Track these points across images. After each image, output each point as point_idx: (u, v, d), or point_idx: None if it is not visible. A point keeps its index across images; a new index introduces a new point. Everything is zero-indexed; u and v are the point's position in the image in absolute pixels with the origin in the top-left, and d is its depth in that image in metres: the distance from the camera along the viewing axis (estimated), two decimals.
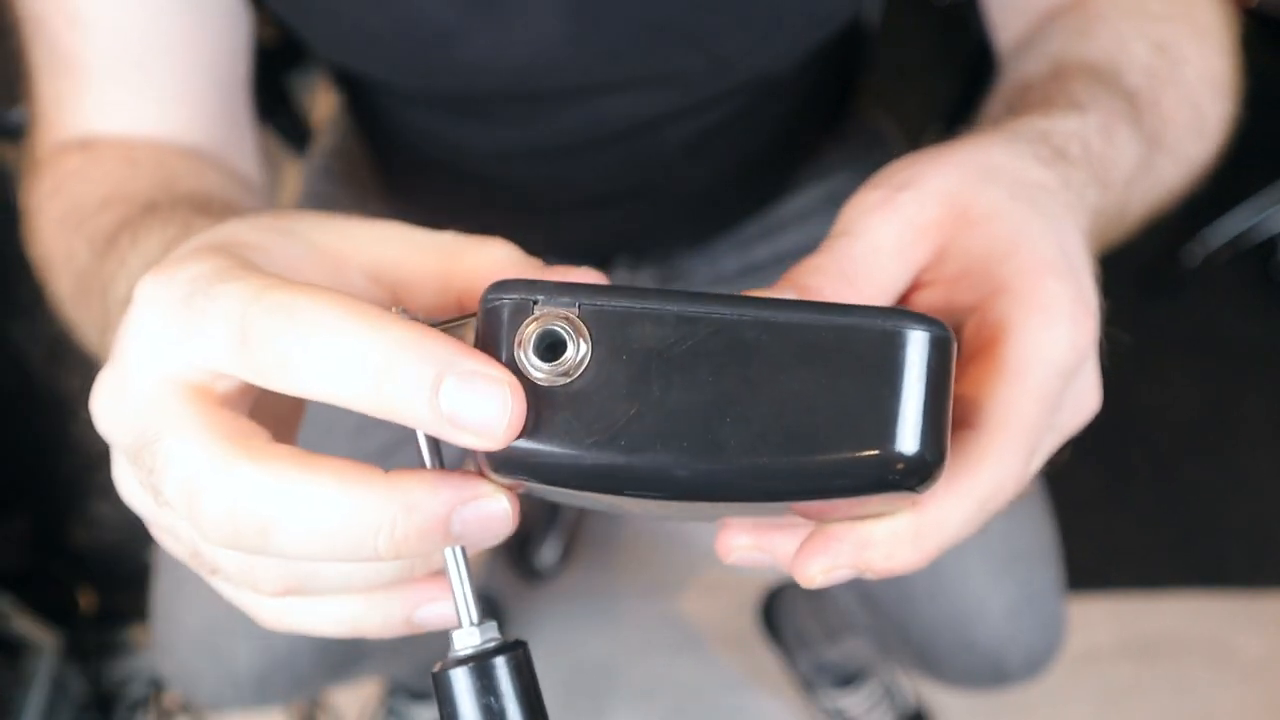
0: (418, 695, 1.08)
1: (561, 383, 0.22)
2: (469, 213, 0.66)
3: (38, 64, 0.51)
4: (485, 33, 0.53)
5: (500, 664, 0.24)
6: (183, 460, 0.23)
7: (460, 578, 0.25)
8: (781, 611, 1.11)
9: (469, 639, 0.25)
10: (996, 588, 0.65)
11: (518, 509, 0.24)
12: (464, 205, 0.69)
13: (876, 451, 0.22)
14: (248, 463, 0.23)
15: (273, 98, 0.84)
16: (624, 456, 0.22)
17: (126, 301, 0.25)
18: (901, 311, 0.23)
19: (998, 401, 0.27)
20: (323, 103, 1.23)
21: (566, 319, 0.22)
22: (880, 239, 0.29)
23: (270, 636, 0.65)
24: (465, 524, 0.23)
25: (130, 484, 0.26)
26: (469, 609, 0.25)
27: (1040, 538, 0.68)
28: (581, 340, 0.22)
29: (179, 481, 0.23)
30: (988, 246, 0.29)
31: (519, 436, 0.22)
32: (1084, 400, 0.30)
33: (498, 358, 0.22)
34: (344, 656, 0.71)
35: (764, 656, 1.16)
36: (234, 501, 0.22)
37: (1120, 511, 1.33)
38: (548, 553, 1.25)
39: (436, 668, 0.24)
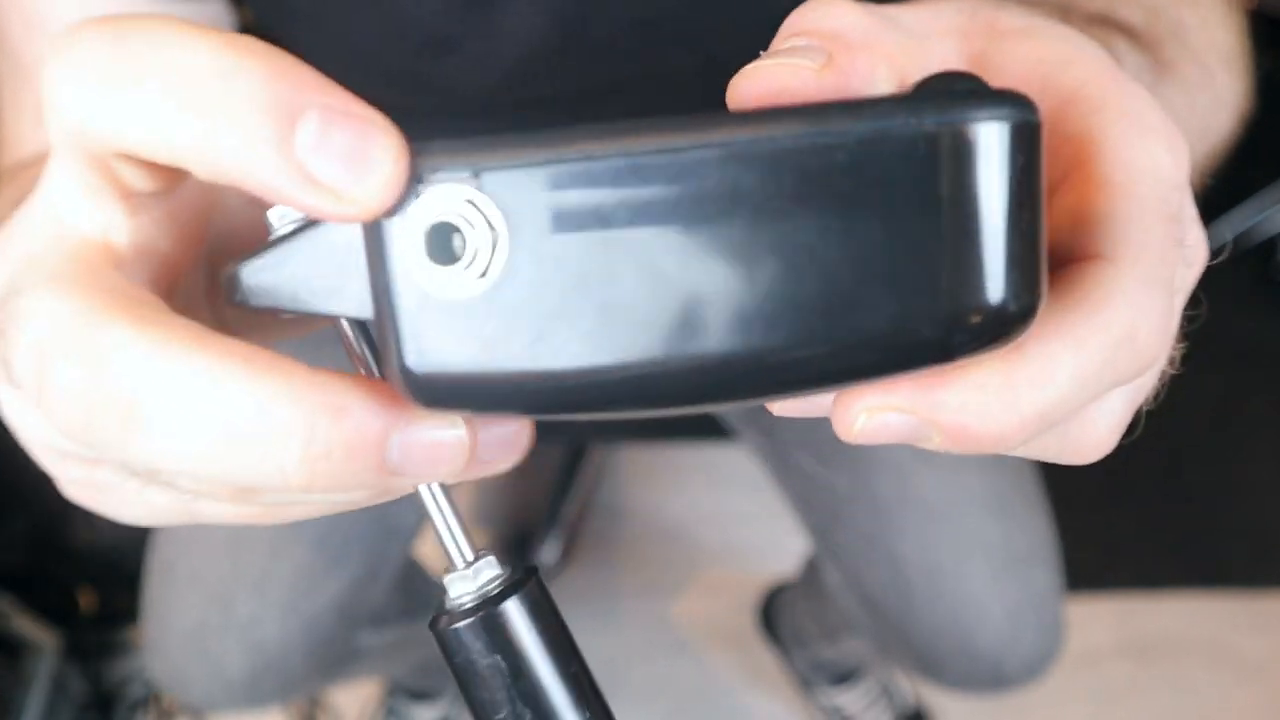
0: (417, 695, 1.08)
1: (477, 289, 0.17)
2: None
3: (3, 78, 0.49)
4: (474, 39, 0.52)
5: (508, 610, 0.20)
6: (38, 316, 0.18)
7: (441, 510, 0.21)
8: (780, 611, 1.11)
9: (465, 585, 0.20)
10: (996, 591, 0.65)
11: (476, 443, 0.19)
12: None
13: (943, 307, 0.16)
14: (122, 323, 0.17)
15: None
16: (584, 368, 0.17)
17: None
18: (955, 92, 0.17)
19: (1114, 221, 0.20)
20: None
21: (470, 199, 0.16)
22: (905, 21, 0.22)
23: (261, 638, 0.65)
24: (406, 451, 0.18)
25: None
26: (460, 547, 0.21)
27: (1040, 541, 0.68)
28: (491, 224, 0.16)
29: (29, 345, 0.18)
30: (1037, 54, 0.22)
31: (425, 358, 0.17)
32: (1199, 241, 0.23)
33: (379, 267, 0.17)
34: (336, 657, 0.71)
35: (764, 656, 1.16)
36: (92, 370, 0.17)
37: (1120, 511, 1.33)
38: (548, 552, 1.25)
39: (433, 622, 0.20)
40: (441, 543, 0.21)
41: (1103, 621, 1.24)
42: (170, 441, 0.17)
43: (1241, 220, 1.51)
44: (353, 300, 0.18)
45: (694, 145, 0.16)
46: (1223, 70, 0.41)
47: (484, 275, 0.17)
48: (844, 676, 1.08)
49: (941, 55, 0.22)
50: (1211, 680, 1.20)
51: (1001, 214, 0.16)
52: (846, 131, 0.16)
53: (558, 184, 0.16)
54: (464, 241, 0.17)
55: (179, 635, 0.65)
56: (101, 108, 0.17)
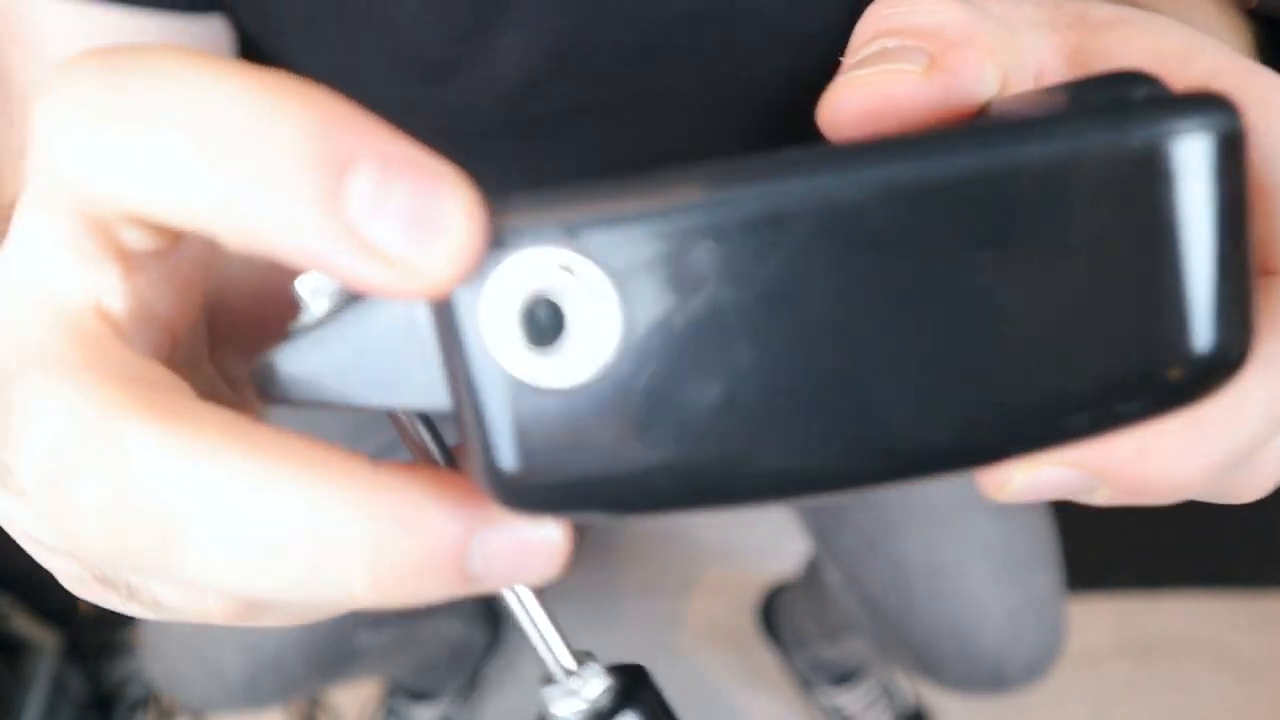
0: (417, 695, 1.08)
1: (583, 371, 0.13)
2: None
3: None
4: (473, 62, 0.52)
5: None
6: (48, 417, 0.15)
7: (531, 616, 0.18)
8: (780, 611, 1.11)
9: (570, 701, 0.18)
10: (997, 593, 0.65)
11: (571, 541, 0.16)
12: None
13: (1143, 361, 0.14)
14: (149, 422, 0.14)
15: None
16: (706, 464, 0.14)
17: None
18: (1143, 99, 0.14)
19: None
20: None
21: (566, 266, 0.13)
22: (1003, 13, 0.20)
23: (258, 639, 0.65)
24: (490, 560, 0.15)
25: None
26: (557, 656, 0.18)
27: (1040, 543, 0.68)
28: (599, 298, 0.13)
29: (40, 452, 0.15)
30: (1151, 46, 0.20)
31: (524, 461, 0.14)
32: None
33: (455, 350, 0.14)
34: (334, 658, 0.71)
35: (764, 656, 1.16)
36: (122, 484, 0.14)
37: (1120, 511, 1.33)
38: None
39: None
40: (535, 650, 0.18)
41: (1103, 621, 1.24)
42: (215, 559, 0.14)
43: None
44: (418, 390, 0.15)
45: (848, 181, 0.13)
46: None
47: (590, 355, 0.13)
48: (844, 677, 1.08)
49: (1034, 49, 0.20)
50: (1212, 680, 1.20)
51: (1214, 245, 0.13)
52: (1036, 154, 0.13)
53: (679, 237, 0.13)
54: (562, 316, 0.13)
55: (176, 638, 0.65)
56: (105, 160, 0.15)
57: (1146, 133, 0.13)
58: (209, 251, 0.20)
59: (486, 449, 0.14)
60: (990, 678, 0.68)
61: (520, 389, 0.14)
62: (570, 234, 0.13)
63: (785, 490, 0.14)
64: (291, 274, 0.18)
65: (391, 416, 0.17)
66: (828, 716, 1.11)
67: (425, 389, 0.15)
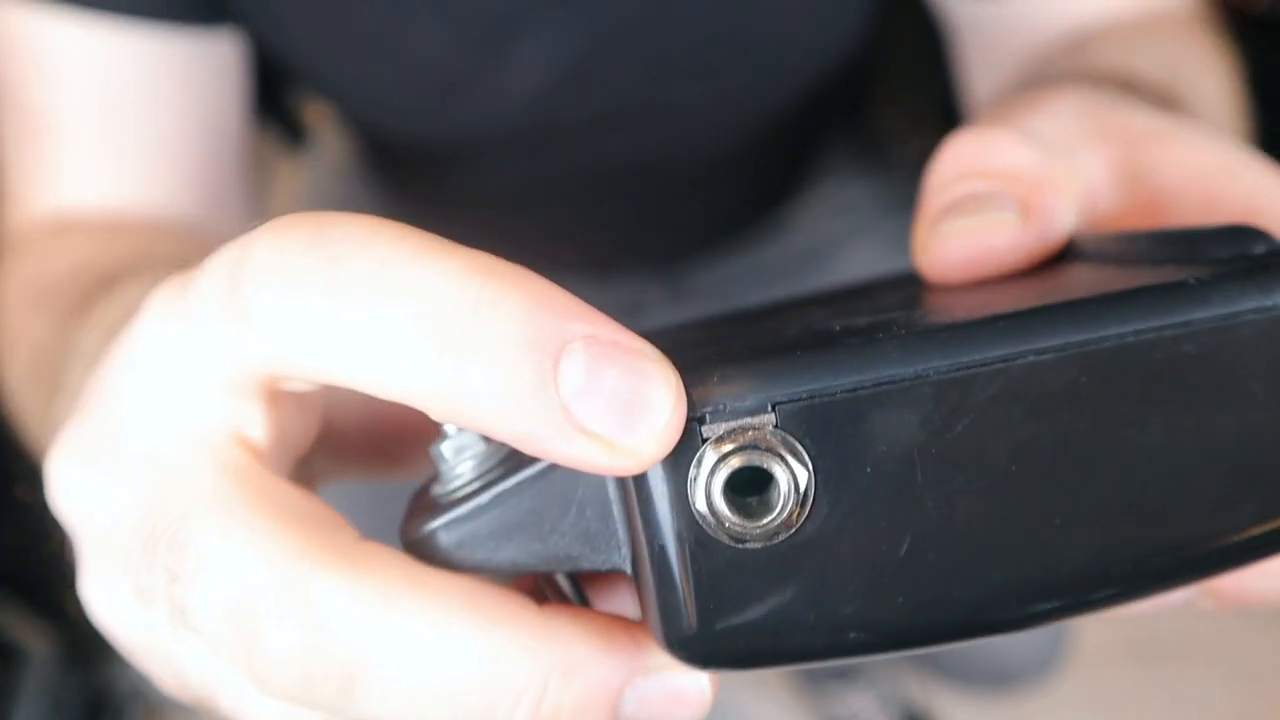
0: None
1: (775, 539, 0.14)
2: (459, 216, 0.65)
3: (6, 131, 0.47)
4: (485, 78, 0.51)
5: None
6: (230, 564, 0.15)
7: None
8: None
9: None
10: None
11: (717, 687, 0.16)
12: (456, 215, 0.68)
13: (1271, 508, 0.15)
14: (331, 567, 0.15)
15: (266, 95, 0.83)
16: (895, 614, 0.14)
17: (94, 357, 0.18)
18: (1261, 269, 0.15)
19: None
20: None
21: (763, 438, 0.14)
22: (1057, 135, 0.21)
23: None
24: (643, 705, 0.16)
25: (118, 595, 0.18)
26: None
27: None
28: (795, 465, 0.14)
29: (226, 597, 0.15)
30: (1195, 163, 0.21)
31: (708, 622, 0.14)
32: None
33: (648, 519, 0.14)
34: None
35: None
36: (313, 633, 0.15)
37: None
38: None
39: None
40: None
41: (1104, 622, 1.23)
42: (395, 699, 0.15)
43: None
44: (596, 554, 0.16)
45: (1025, 349, 0.14)
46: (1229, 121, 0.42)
47: (784, 523, 0.14)
48: (846, 673, 1.08)
49: (1090, 167, 0.21)
50: (1218, 684, 1.20)
51: None
52: (1196, 322, 0.14)
53: (873, 406, 0.14)
54: (758, 487, 0.14)
55: None
56: (308, 329, 0.14)
57: (1276, 299, 0.14)
58: None
59: (671, 608, 0.15)
60: (994, 673, 0.67)
61: (708, 554, 0.14)
62: (767, 408, 0.14)
63: (966, 633, 0.15)
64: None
65: (541, 576, 0.18)
66: (828, 714, 1.11)
67: (602, 553, 0.16)
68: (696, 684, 0.16)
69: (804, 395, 0.14)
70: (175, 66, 0.47)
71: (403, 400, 0.15)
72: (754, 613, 0.14)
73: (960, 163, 0.20)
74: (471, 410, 0.14)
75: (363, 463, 0.22)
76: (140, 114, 0.46)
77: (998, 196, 0.19)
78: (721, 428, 0.14)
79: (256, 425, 0.17)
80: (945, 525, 0.14)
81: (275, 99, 0.85)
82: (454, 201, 0.64)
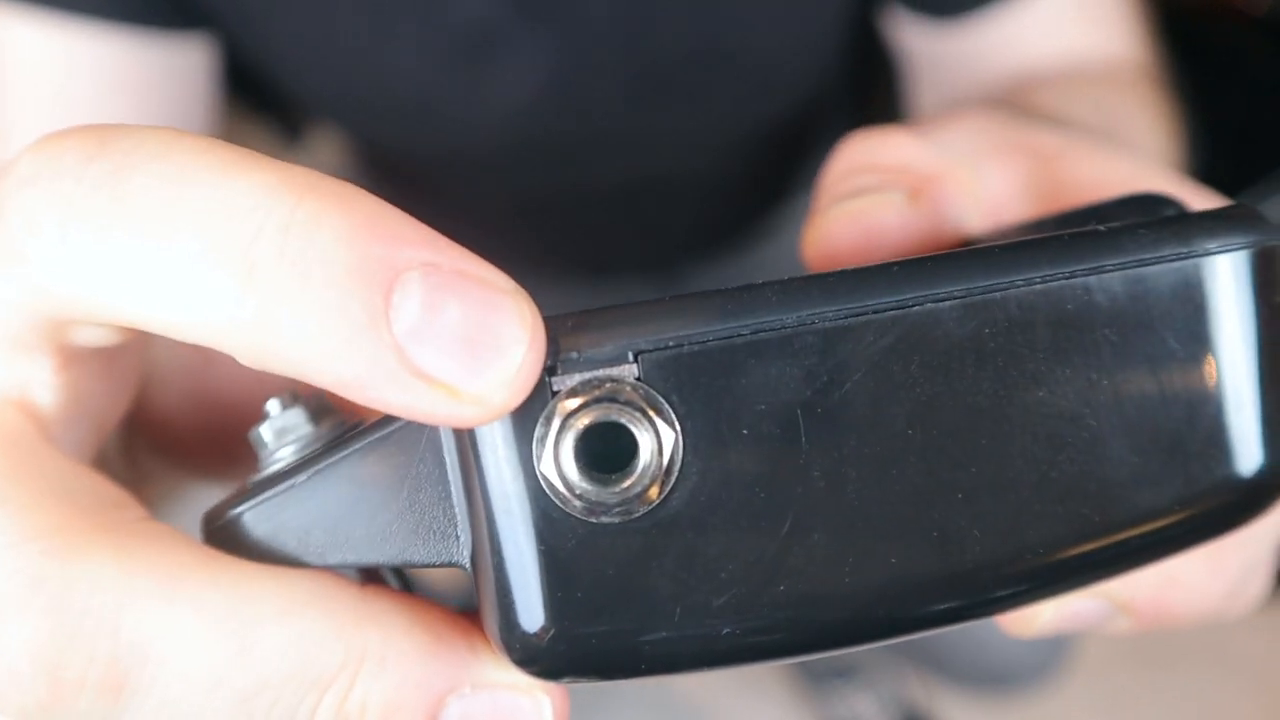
0: None
1: (641, 512, 0.12)
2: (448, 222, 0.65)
3: None
4: (467, 91, 0.51)
5: None
6: None
7: None
8: None
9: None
10: None
11: (566, 715, 0.14)
12: (446, 221, 0.68)
13: (1197, 485, 0.13)
14: (104, 555, 0.13)
15: (261, 91, 0.83)
16: (775, 606, 0.12)
17: None
18: (1179, 217, 0.13)
19: None
20: None
21: (621, 391, 0.12)
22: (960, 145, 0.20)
23: None
24: None
25: None
26: None
27: None
28: (660, 424, 0.12)
29: None
30: (1099, 173, 0.20)
31: (569, 622, 0.12)
32: None
33: (487, 490, 0.12)
34: None
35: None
36: (65, 626, 0.12)
37: None
38: None
39: None
40: None
41: None
42: (172, 709, 0.12)
43: None
44: (429, 545, 0.14)
45: (923, 295, 0.12)
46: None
47: (645, 492, 0.12)
48: (845, 671, 1.08)
49: (997, 179, 0.21)
50: (1211, 680, 1.20)
51: (1258, 362, 0.13)
52: (1108, 267, 0.13)
53: (750, 360, 0.12)
54: (623, 457, 0.12)
55: None
56: (90, 265, 0.12)
57: (1193, 247, 0.13)
58: (145, 343, 0.17)
59: (509, 598, 0.12)
60: (997, 674, 0.67)
61: (561, 528, 0.12)
62: (629, 356, 0.12)
63: (860, 631, 0.13)
64: (229, 377, 0.16)
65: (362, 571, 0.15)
66: (829, 714, 1.11)
67: (426, 545, 0.14)
68: (536, 708, 0.14)
69: (671, 343, 0.12)
70: (137, 74, 0.46)
71: (206, 343, 0.12)
72: (608, 604, 0.12)
73: (850, 160, 0.19)
74: (285, 353, 0.12)
75: (195, 457, 0.20)
76: (95, 120, 0.46)
77: (885, 185, 0.18)
78: (575, 379, 0.12)
79: (43, 388, 0.14)
80: (833, 500, 0.12)
81: (271, 95, 0.85)
82: (443, 208, 0.64)
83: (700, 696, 1.17)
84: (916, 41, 0.54)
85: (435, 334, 0.11)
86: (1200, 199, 0.19)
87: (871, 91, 0.82)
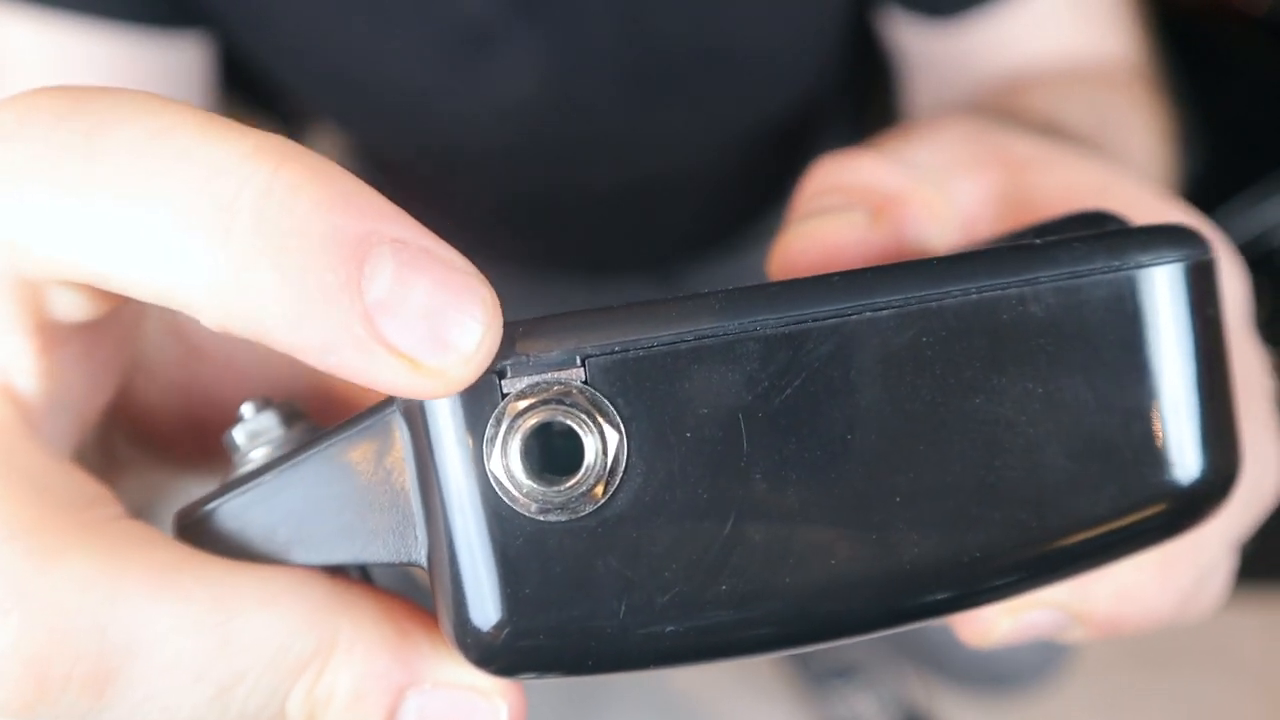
0: None
1: (587, 510, 0.13)
2: (447, 218, 0.65)
3: None
4: (464, 87, 0.52)
5: None
6: None
7: None
8: None
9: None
10: None
11: (523, 713, 0.15)
12: (445, 217, 0.68)
13: (1134, 492, 0.14)
14: (84, 553, 0.13)
15: (257, 88, 0.83)
16: (717, 604, 0.13)
17: None
18: (1118, 232, 0.14)
19: None
20: None
21: (568, 394, 0.13)
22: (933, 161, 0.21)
23: None
24: (425, 718, 0.14)
25: None
26: None
27: None
28: (605, 426, 0.13)
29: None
30: (1068, 182, 0.21)
31: (520, 618, 0.13)
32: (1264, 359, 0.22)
33: (440, 483, 0.13)
34: None
35: (765, 657, 1.16)
36: (51, 624, 0.13)
37: None
38: None
39: None
40: None
41: None
42: (155, 701, 0.13)
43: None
44: (389, 544, 0.14)
45: (861, 304, 0.13)
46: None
47: (590, 491, 0.13)
48: (846, 671, 1.08)
49: (967, 194, 0.21)
50: (1211, 680, 1.20)
51: (1195, 372, 0.13)
52: (1043, 279, 0.13)
53: (694, 365, 0.12)
54: (564, 451, 0.13)
55: None
56: (60, 224, 0.12)
57: (1125, 261, 0.13)
58: (134, 319, 0.18)
59: (462, 593, 0.13)
60: (997, 674, 0.67)
61: (510, 526, 0.13)
62: (576, 360, 0.13)
63: (800, 632, 0.14)
64: (214, 372, 0.17)
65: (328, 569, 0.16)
66: (828, 714, 1.11)
67: (391, 542, 0.14)
68: (491, 709, 0.14)
69: (616, 348, 0.13)
70: (133, 72, 0.46)
71: (175, 304, 0.12)
72: (556, 600, 0.13)
73: (819, 181, 0.20)
74: (254, 315, 0.12)
75: (175, 450, 0.20)
76: None
77: (849, 205, 0.19)
78: (524, 382, 0.13)
79: (25, 373, 0.14)
80: (773, 502, 0.13)
81: (267, 93, 0.84)
82: (439, 205, 0.64)
83: (700, 696, 1.17)
84: (912, 41, 0.54)
85: (403, 307, 0.12)
86: (1170, 206, 0.19)
87: (869, 91, 0.82)
